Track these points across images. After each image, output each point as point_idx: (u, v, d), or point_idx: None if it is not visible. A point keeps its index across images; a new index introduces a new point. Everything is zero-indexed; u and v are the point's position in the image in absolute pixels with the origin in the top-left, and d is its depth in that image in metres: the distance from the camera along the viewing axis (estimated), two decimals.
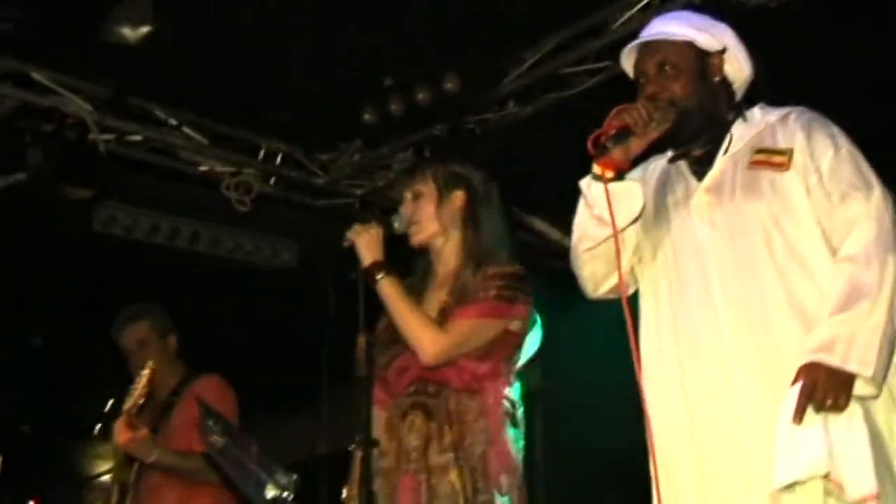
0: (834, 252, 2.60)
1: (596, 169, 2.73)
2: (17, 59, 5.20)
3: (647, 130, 2.71)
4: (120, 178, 5.77)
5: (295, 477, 3.08)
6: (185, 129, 5.81)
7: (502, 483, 3.11)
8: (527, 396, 3.34)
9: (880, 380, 2.46)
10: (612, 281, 2.85)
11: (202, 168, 6.02)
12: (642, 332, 2.83)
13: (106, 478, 4.56)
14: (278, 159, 6.19)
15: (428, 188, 3.44)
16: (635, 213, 2.77)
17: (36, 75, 5.27)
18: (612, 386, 3.69)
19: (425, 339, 3.17)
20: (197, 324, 4.94)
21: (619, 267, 2.73)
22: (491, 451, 3.13)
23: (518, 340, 3.29)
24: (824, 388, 2.40)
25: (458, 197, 3.42)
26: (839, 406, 2.40)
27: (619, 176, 2.74)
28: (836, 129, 2.75)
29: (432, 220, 3.41)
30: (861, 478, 2.35)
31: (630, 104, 2.74)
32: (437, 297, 3.35)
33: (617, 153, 2.70)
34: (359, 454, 3.21)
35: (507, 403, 3.23)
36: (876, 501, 2.34)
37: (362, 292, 3.25)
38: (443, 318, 3.24)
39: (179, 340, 4.75)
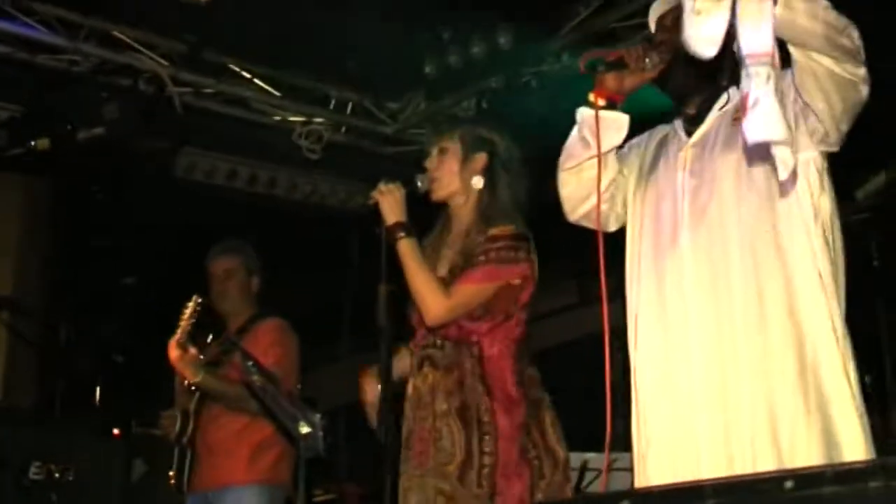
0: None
1: (590, 97, 2.90)
2: (100, 19, 5.56)
3: (640, 66, 2.88)
4: (197, 127, 6.10)
5: (319, 416, 3.34)
6: (258, 81, 6.11)
7: (507, 419, 3.31)
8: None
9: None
10: (587, 206, 3.05)
11: (275, 118, 6.34)
12: (626, 265, 3.00)
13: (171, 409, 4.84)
14: (348, 109, 6.48)
15: (454, 146, 3.60)
16: (618, 141, 2.98)
17: (117, 33, 5.64)
18: None
19: (430, 303, 3.39)
20: (272, 264, 5.15)
21: (598, 188, 2.91)
22: (494, 390, 3.34)
23: (518, 293, 3.44)
24: None
25: (481, 159, 3.57)
26: None
27: (611, 106, 2.91)
28: None
29: (454, 176, 3.57)
30: (755, 38, 2.39)
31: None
32: (448, 254, 3.55)
33: (609, 81, 2.88)
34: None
35: (511, 346, 3.42)
36: (769, 62, 2.39)
37: (384, 247, 3.50)
38: (451, 278, 3.44)
39: (261, 284, 4.91)
